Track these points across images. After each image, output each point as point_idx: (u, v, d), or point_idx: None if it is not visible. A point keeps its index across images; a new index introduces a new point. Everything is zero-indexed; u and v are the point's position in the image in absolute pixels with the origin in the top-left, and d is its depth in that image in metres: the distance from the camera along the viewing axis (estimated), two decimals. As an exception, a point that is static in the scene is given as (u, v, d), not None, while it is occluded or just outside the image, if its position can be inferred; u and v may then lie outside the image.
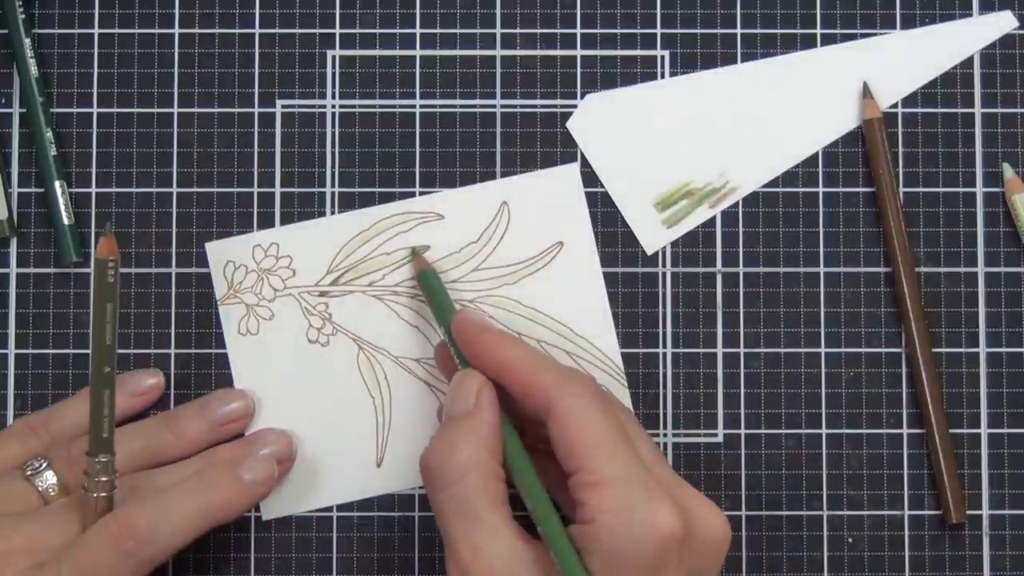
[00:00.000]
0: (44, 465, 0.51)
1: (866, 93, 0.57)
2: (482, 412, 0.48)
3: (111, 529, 0.49)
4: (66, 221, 0.56)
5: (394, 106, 0.57)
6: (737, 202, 0.57)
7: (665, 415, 0.56)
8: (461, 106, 0.57)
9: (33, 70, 0.56)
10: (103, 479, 0.50)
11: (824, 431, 0.56)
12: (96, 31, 0.57)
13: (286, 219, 0.57)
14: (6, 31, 0.57)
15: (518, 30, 0.58)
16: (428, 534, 0.56)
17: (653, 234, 0.57)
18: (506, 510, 0.47)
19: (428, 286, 0.55)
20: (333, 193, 0.57)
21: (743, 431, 0.56)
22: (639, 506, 0.45)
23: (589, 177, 0.57)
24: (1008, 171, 0.57)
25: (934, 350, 0.56)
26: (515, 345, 0.50)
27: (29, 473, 0.51)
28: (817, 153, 0.57)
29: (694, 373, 0.57)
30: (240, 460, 0.53)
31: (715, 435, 0.56)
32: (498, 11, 0.58)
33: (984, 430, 0.57)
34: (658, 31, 0.58)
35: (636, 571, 0.45)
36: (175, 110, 0.57)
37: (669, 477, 0.48)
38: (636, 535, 0.45)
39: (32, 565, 0.48)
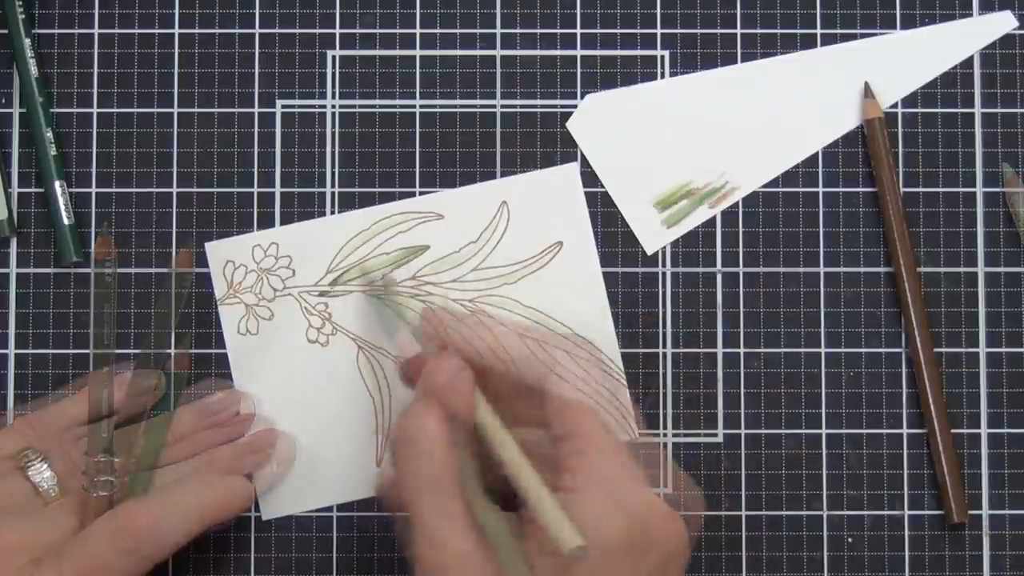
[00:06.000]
0: (39, 457, 0.51)
1: (868, 93, 0.57)
2: (459, 387, 0.47)
3: (111, 527, 0.49)
4: (66, 221, 0.56)
5: (394, 106, 0.57)
6: (737, 202, 0.57)
7: (665, 415, 0.56)
8: (461, 106, 0.57)
9: (33, 70, 0.56)
10: (102, 479, 0.50)
11: (824, 431, 0.56)
12: (96, 31, 0.57)
13: (286, 219, 0.57)
14: (6, 31, 0.57)
15: (518, 30, 0.58)
16: (428, 534, 0.56)
17: (653, 234, 0.57)
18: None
19: (387, 298, 0.55)
20: (333, 193, 0.57)
21: (743, 431, 0.56)
22: (621, 480, 0.45)
23: (589, 177, 0.57)
24: (1008, 171, 0.57)
25: (934, 350, 0.56)
26: (496, 324, 0.49)
27: (24, 464, 0.51)
28: (817, 153, 0.57)
29: (694, 373, 0.57)
30: (239, 459, 0.53)
31: (715, 435, 0.56)
32: (498, 11, 0.58)
33: (984, 430, 0.56)
34: (658, 31, 0.58)
35: (618, 546, 0.44)
36: (175, 110, 0.57)
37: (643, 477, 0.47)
38: (617, 506, 0.44)
39: (29, 562, 0.48)
